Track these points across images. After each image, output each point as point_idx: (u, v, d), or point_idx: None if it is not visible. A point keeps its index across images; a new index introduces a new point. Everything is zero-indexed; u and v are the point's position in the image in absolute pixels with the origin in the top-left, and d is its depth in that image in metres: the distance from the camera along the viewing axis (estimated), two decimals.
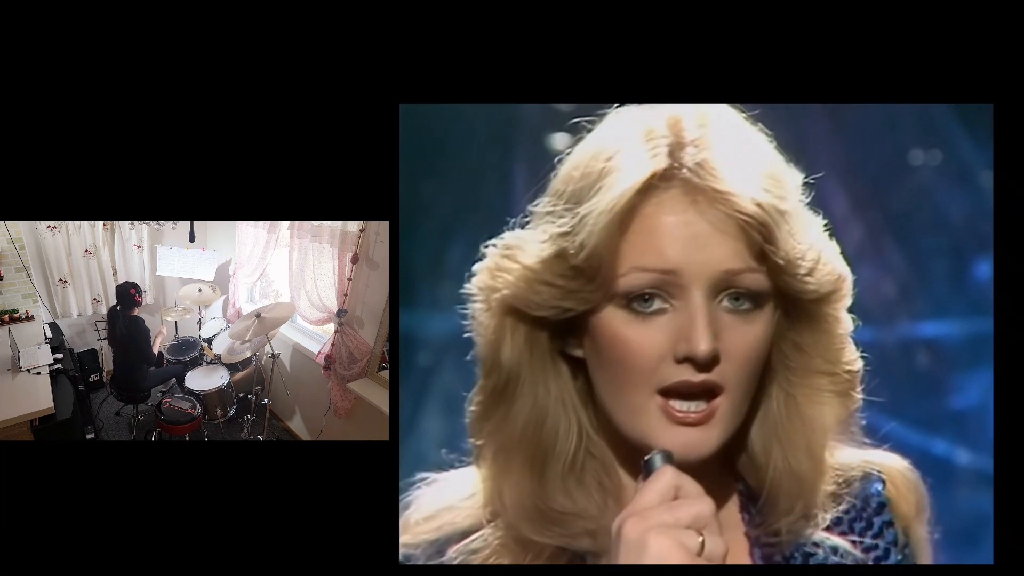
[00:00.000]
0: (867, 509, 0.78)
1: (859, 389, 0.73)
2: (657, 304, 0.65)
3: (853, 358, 0.73)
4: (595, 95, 1.25)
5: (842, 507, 0.76)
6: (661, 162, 0.65)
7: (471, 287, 0.73)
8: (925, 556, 0.81)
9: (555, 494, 0.71)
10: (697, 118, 0.67)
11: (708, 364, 0.63)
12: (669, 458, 0.64)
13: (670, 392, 0.65)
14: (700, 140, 0.65)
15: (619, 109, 0.71)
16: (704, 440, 0.65)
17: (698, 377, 0.64)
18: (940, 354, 1.54)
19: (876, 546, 0.77)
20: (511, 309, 0.71)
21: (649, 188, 0.65)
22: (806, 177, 0.70)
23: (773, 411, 0.73)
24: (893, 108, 1.48)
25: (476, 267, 0.73)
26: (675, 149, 0.65)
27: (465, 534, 0.75)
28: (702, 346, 0.62)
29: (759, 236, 0.63)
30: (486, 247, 0.72)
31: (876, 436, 0.77)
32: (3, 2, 1.25)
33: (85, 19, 1.26)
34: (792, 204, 0.66)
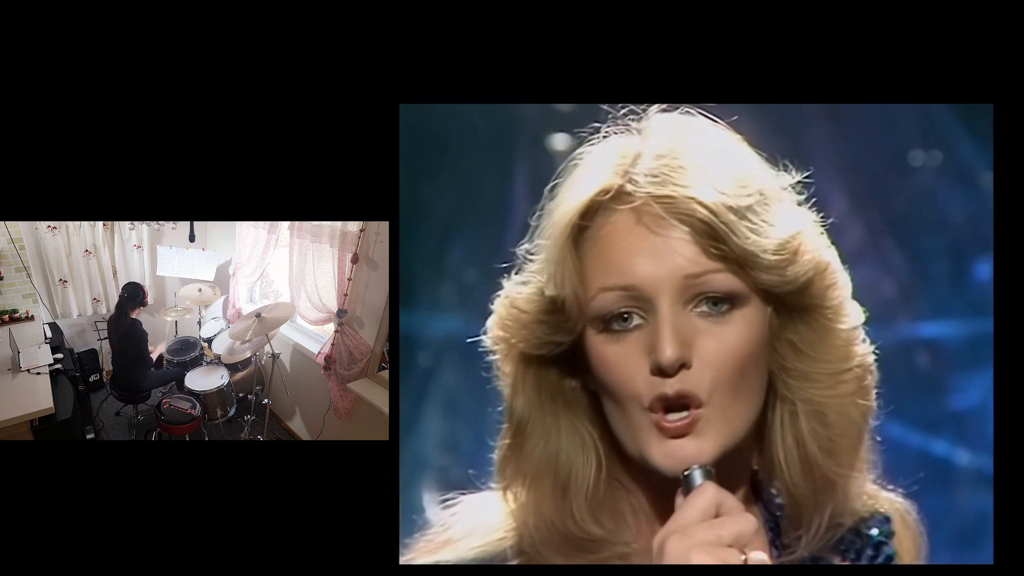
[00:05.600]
0: (870, 551, 0.77)
1: (871, 392, 0.71)
2: (635, 321, 0.66)
3: (859, 353, 0.70)
4: (595, 95, 1.25)
5: (844, 547, 0.76)
6: (608, 180, 0.67)
7: (488, 341, 0.75)
8: None
9: (583, 522, 0.72)
10: (659, 136, 0.69)
11: (676, 371, 0.63)
12: (709, 474, 0.64)
13: (656, 407, 0.65)
14: (661, 150, 0.67)
15: (590, 144, 0.72)
16: (697, 451, 0.65)
17: (672, 389, 0.64)
18: (940, 354, 1.54)
19: None
20: (520, 355, 0.73)
21: (601, 210, 0.67)
22: (801, 176, 0.70)
23: (776, 429, 0.71)
24: (893, 108, 1.48)
25: (488, 323, 0.75)
26: (628, 167, 0.67)
27: (497, 558, 0.76)
28: (667, 353, 0.63)
29: (705, 235, 0.64)
30: (493, 300, 0.75)
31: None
32: (3, 2, 1.25)
33: (85, 19, 1.26)
34: (756, 199, 0.66)
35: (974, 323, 1.52)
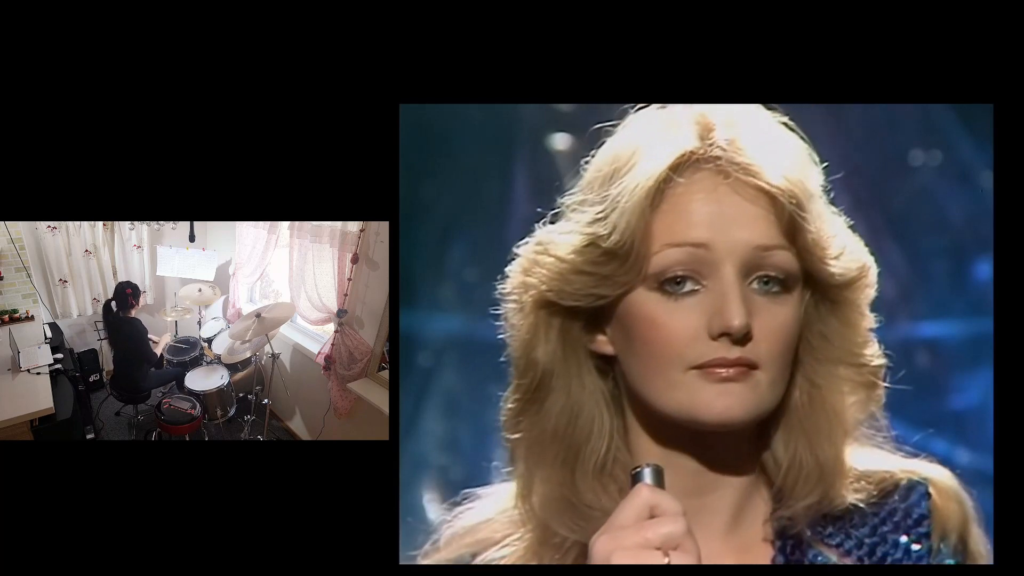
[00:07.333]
0: (908, 519, 0.76)
1: (882, 385, 0.74)
2: (689, 286, 0.65)
3: (876, 353, 0.73)
4: (595, 95, 1.25)
5: (881, 515, 0.75)
6: (691, 143, 0.67)
7: (504, 288, 0.73)
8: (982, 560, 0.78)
9: (585, 490, 0.72)
10: (725, 112, 0.69)
11: (743, 339, 0.63)
12: (658, 473, 0.64)
13: (708, 368, 0.65)
14: (730, 125, 0.68)
15: (643, 109, 0.72)
16: (741, 397, 0.64)
17: (734, 352, 0.64)
18: (940, 354, 1.54)
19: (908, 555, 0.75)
20: (545, 305, 0.71)
21: (680, 168, 0.66)
22: (825, 179, 0.71)
23: (795, 399, 0.72)
24: (893, 108, 1.48)
25: (509, 268, 0.73)
26: (704, 132, 0.67)
27: (498, 543, 0.76)
28: (736, 320, 0.63)
29: (791, 209, 0.64)
30: (519, 246, 0.73)
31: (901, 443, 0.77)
32: (3, 2, 1.25)
33: (85, 19, 1.26)
34: (817, 190, 0.68)
35: (974, 323, 1.52)
